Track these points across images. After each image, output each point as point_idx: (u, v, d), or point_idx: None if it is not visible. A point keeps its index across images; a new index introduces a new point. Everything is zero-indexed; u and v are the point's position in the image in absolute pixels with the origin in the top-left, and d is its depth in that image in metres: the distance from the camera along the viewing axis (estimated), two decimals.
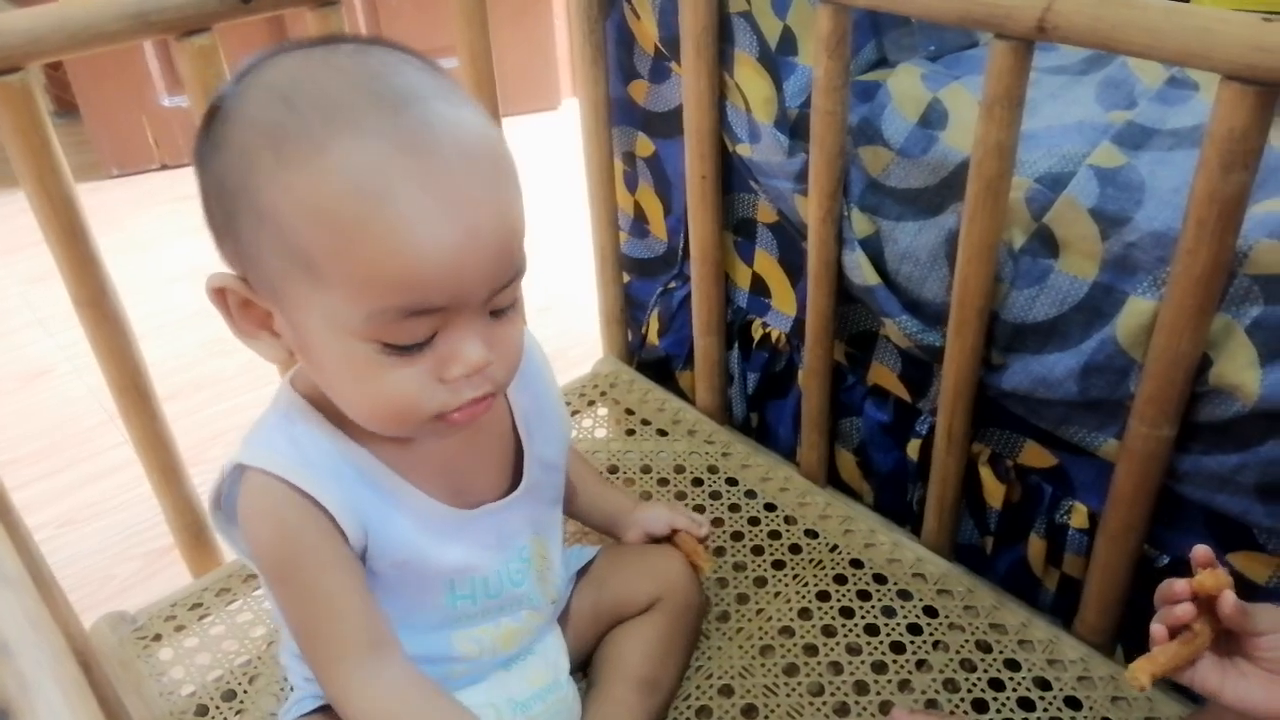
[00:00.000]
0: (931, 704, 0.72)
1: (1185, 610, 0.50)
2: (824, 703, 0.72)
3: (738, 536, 0.87)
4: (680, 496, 0.92)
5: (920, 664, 0.75)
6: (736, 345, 1.00)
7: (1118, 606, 0.75)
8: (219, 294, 0.50)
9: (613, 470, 0.95)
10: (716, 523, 0.88)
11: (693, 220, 0.93)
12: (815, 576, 0.83)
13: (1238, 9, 0.68)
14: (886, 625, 0.78)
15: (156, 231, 1.89)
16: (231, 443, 0.55)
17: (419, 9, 2.18)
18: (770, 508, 0.90)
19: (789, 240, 0.90)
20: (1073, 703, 0.72)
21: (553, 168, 1.79)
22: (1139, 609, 0.75)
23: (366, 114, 0.44)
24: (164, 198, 2.04)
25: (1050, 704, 0.71)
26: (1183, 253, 0.59)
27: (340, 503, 0.52)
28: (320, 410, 0.54)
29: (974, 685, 0.73)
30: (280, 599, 0.55)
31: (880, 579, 0.82)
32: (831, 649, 0.76)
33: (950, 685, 0.73)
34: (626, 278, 1.10)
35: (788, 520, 0.89)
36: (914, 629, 0.78)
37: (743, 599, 0.81)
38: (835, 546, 0.85)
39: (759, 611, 0.80)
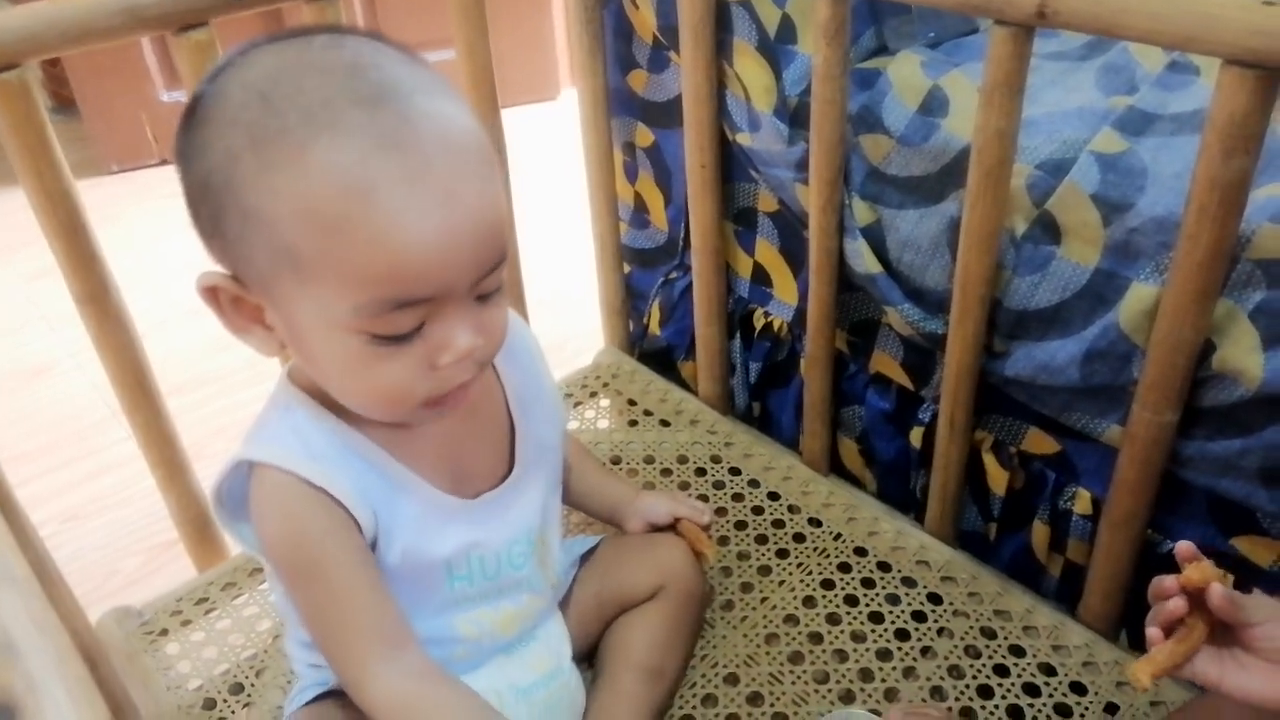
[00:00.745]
0: (937, 691, 0.72)
1: (1176, 605, 0.50)
2: (829, 690, 0.73)
3: (741, 525, 0.87)
4: (684, 486, 0.92)
5: (925, 650, 0.75)
6: (738, 335, 1.00)
7: (1122, 592, 0.75)
8: (210, 292, 0.50)
9: (615, 461, 0.95)
10: (720, 512, 0.89)
11: (693, 210, 0.93)
12: (819, 565, 0.83)
13: None
14: (891, 612, 0.78)
15: (157, 227, 1.88)
16: (234, 438, 0.55)
17: (416, 1, 2.17)
18: (774, 497, 0.90)
19: (790, 229, 0.90)
20: (1078, 688, 0.72)
21: (552, 159, 1.79)
22: (1143, 595, 0.74)
23: (345, 111, 0.44)
24: (164, 192, 2.04)
25: (1055, 689, 0.72)
26: (1185, 238, 0.59)
27: (352, 493, 0.53)
28: (319, 401, 0.55)
29: (979, 671, 0.73)
30: (296, 595, 0.55)
31: (884, 566, 0.82)
32: (836, 636, 0.77)
33: (955, 672, 0.73)
34: (627, 268, 1.09)
35: (791, 509, 0.89)
36: (918, 616, 0.78)
37: (747, 588, 0.81)
38: (839, 535, 0.86)
39: (763, 600, 0.80)
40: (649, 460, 0.95)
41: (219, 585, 0.83)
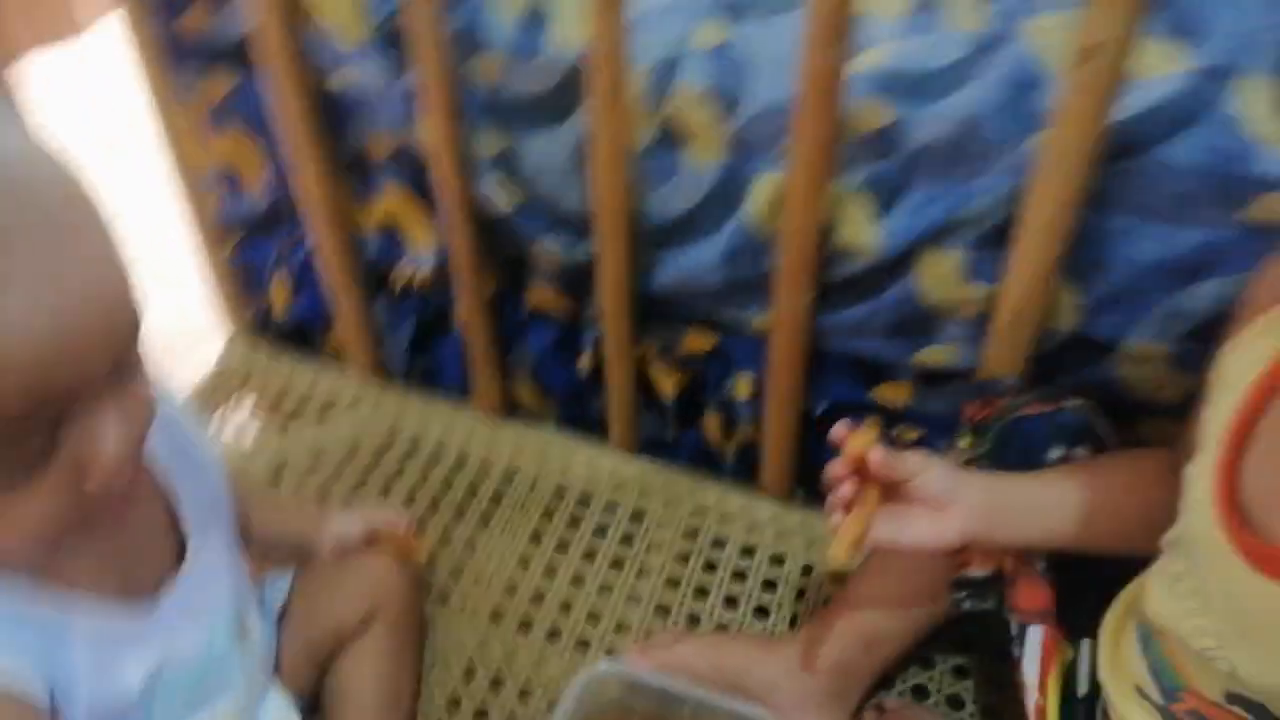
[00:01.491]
0: (661, 610, 0.74)
1: (847, 491, 0.54)
2: (564, 645, 0.72)
3: (434, 506, 0.82)
4: (362, 480, 0.84)
5: (640, 573, 0.77)
6: (381, 295, 0.92)
7: (793, 458, 0.82)
8: None
9: (277, 472, 0.85)
10: (410, 495, 0.82)
11: (298, 163, 0.82)
12: (523, 521, 0.81)
13: None
14: (602, 546, 0.78)
15: None
16: None
17: None
18: (461, 462, 0.86)
19: (413, 173, 0.83)
20: (777, 559, 0.77)
21: (95, 115, 1.51)
22: (809, 454, 0.82)
23: None
24: None
25: (760, 568, 0.76)
26: (795, 129, 0.62)
27: (18, 663, 0.41)
28: None
29: (691, 576, 0.76)
30: None
31: (585, 500, 0.82)
32: (557, 589, 0.75)
33: (672, 584, 0.76)
34: (230, 244, 0.96)
35: (482, 468, 0.85)
36: (627, 540, 0.79)
37: (457, 573, 0.77)
38: (534, 483, 0.83)
39: (475, 581, 0.76)
40: (318, 457, 0.86)
41: None
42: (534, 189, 0.76)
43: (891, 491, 0.54)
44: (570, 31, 0.71)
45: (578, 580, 0.76)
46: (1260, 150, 0.57)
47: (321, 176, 0.83)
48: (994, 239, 0.64)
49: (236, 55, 0.83)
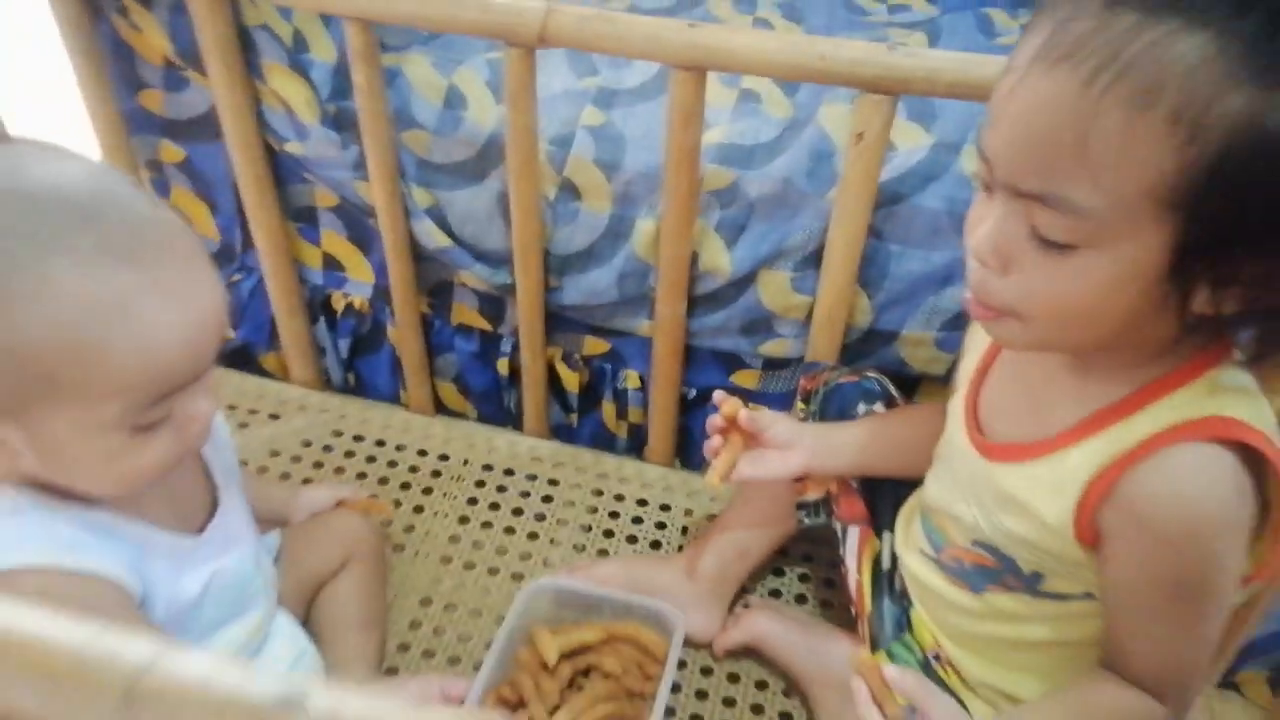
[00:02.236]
0: (578, 547, 0.95)
1: (718, 439, 0.76)
2: (502, 578, 0.92)
3: (384, 481, 1.01)
4: (318, 467, 1.02)
5: (559, 522, 0.98)
6: (322, 319, 1.09)
7: (673, 434, 1.05)
8: None
9: (242, 464, 1.01)
10: (361, 475, 1.01)
11: (253, 218, 0.99)
12: (460, 489, 1.00)
13: None
14: (526, 504, 0.99)
15: None
16: None
17: None
18: (400, 448, 1.04)
19: (354, 219, 1.01)
20: (664, 508, 1.00)
21: None
22: (685, 432, 1.05)
23: (69, 232, 0.48)
24: None
25: (651, 514, 0.99)
26: (666, 187, 0.85)
27: (117, 567, 0.56)
28: (44, 494, 0.56)
29: (599, 524, 0.98)
30: None
31: (509, 473, 1.03)
32: (493, 538, 0.96)
33: (584, 529, 0.97)
34: None
35: (420, 453, 1.04)
36: (547, 499, 1.00)
37: (409, 528, 0.96)
38: (466, 460, 1.03)
39: (427, 533, 0.96)
40: (275, 454, 1.03)
41: None
42: (460, 232, 0.96)
43: (753, 440, 0.77)
44: (482, 114, 0.91)
45: (509, 531, 0.96)
46: None
47: (274, 224, 1.00)
48: (810, 262, 0.89)
49: (189, 130, 0.99)
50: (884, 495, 0.80)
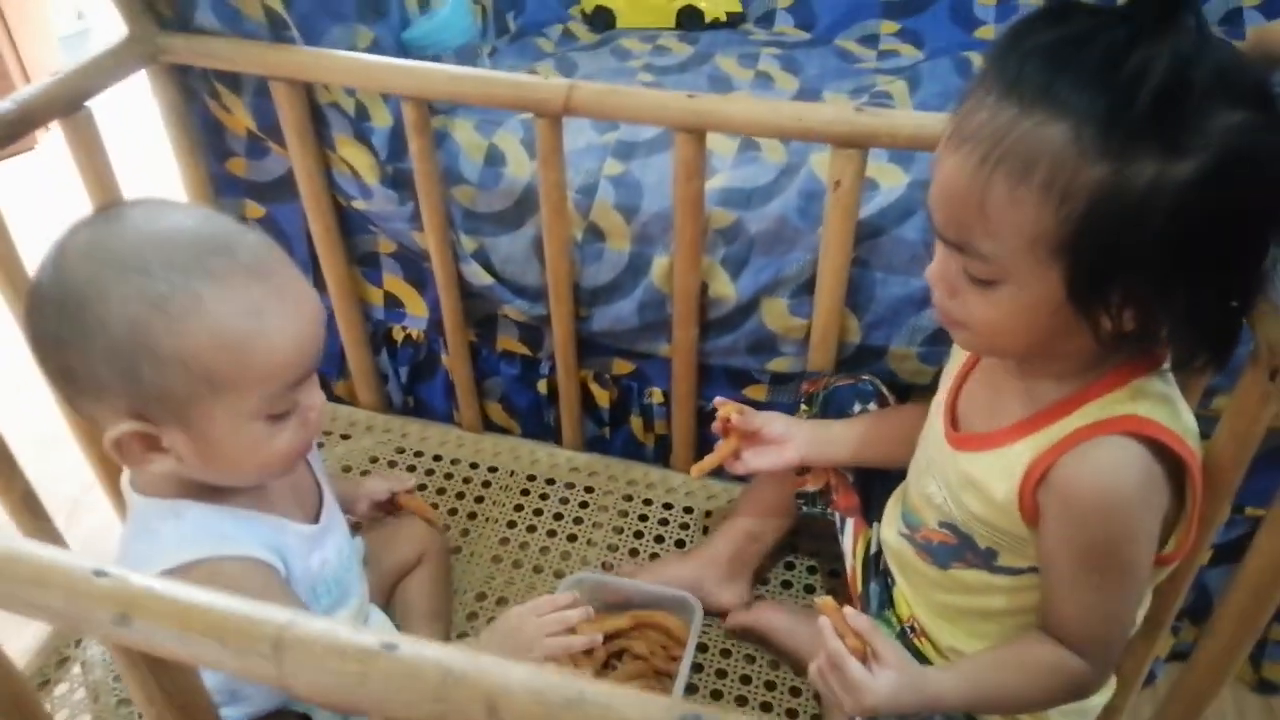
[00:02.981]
0: (612, 548, 1.09)
1: (721, 436, 0.89)
2: (545, 575, 1.05)
3: (442, 491, 1.15)
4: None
5: (594, 526, 1.11)
6: (384, 349, 1.24)
7: (693, 444, 1.17)
8: (117, 444, 0.64)
9: (345, 470, 1.16)
10: (422, 486, 1.15)
11: (324, 264, 1.14)
12: (507, 498, 1.14)
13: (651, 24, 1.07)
14: (566, 511, 1.13)
15: None
16: None
17: None
18: (455, 461, 1.19)
19: (410, 262, 1.16)
20: (688, 510, 1.13)
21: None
22: (703, 440, 1.18)
23: (210, 260, 0.61)
24: None
25: (677, 516, 1.12)
26: (677, 228, 0.98)
27: (264, 550, 0.69)
28: (196, 497, 0.69)
29: (630, 525, 1.11)
30: None
31: (550, 481, 1.16)
32: (537, 540, 1.09)
33: (617, 531, 1.10)
34: None
35: (472, 466, 1.18)
36: (583, 505, 1.14)
37: (465, 532, 1.10)
38: (512, 471, 1.17)
39: (480, 536, 1.10)
40: (346, 469, 1.18)
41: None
42: (502, 272, 1.10)
43: (753, 438, 0.89)
44: (519, 169, 1.06)
45: (551, 534, 1.10)
46: None
47: (341, 270, 1.15)
48: (805, 289, 1.02)
49: (268, 191, 1.15)
50: (876, 489, 0.92)
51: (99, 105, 0.94)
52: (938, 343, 1.01)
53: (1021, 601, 0.74)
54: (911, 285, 0.99)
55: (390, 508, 0.99)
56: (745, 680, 0.96)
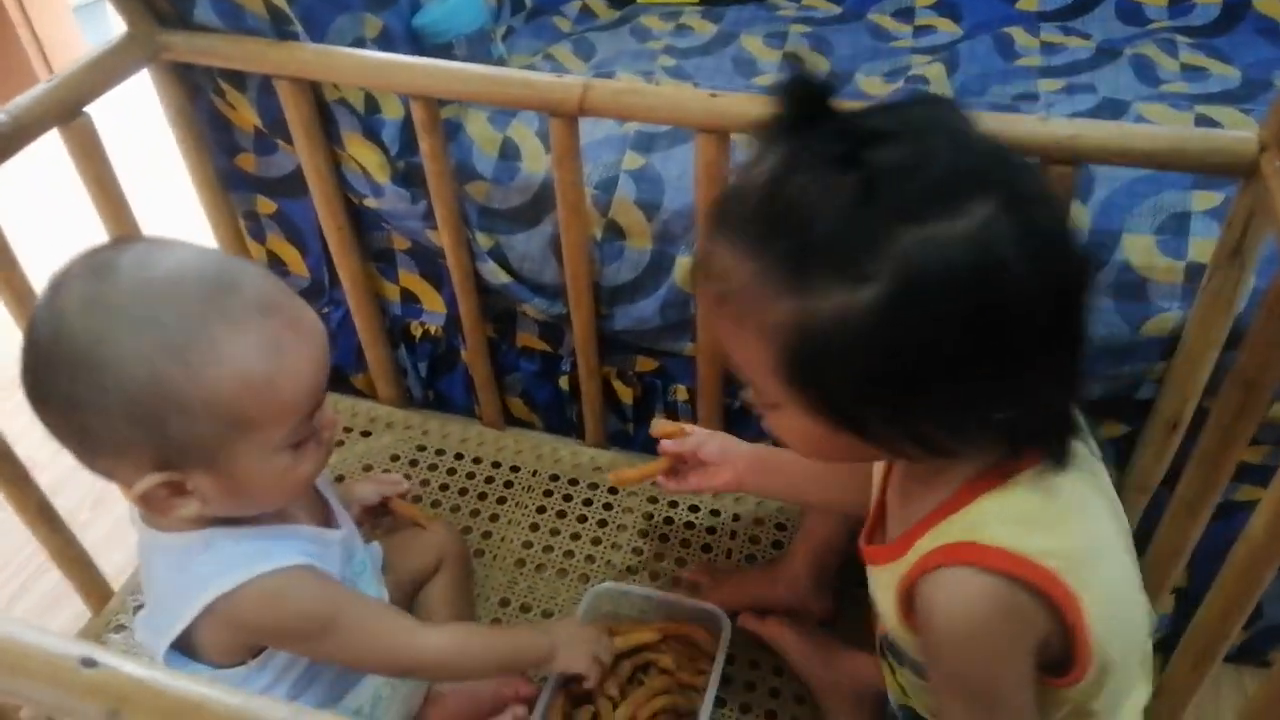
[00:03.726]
0: (635, 550, 1.06)
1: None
2: (570, 579, 1.04)
3: (464, 492, 1.13)
4: (406, 479, 1.14)
5: (619, 527, 1.09)
6: (403, 345, 1.22)
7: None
8: (144, 497, 0.63)
9: (339, 479, 1.14)
10: (444, 487, 1.13)
11: (338, 261, 1.11)
12: (530, 499, 1.12)
13: None
14: (590, 512, 1.10)
15: None
16: None
17: None
18: (477, 460, 1.17)
19: (426, 259, 1.12)
20: (715, 513, 1.10)
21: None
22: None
23: (219, 301, 0.60)
24: None
25: (703, 517, 1.09)
26: (699, 225, 0.94)
27: (301, 556, 0.69)
28: (222, 526, 0.68)
29: (657, 526, 1.09)
30: (332, 641, 0.71)
31: (573, 482, 1.14)
32: (561, 542, 1.07)
33: (641, 534, 1.08)
34: None
35: (494, 465, 1.16)
36: (607, 506, 1.11)
37: (486, 535, 1.08)
38: (535, 471, 1.15)
39: (503, 539, 1.08)
40: (367, 468, 1.16)
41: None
42: (519, 270, 1.07)
43: (690, 457, 0.88)
44: (534, 163, 1.01)
45: (575, 537, 1.08)
46: None
47: (356, 266, 1.12)
48: None
49: (279, 186, 1.12)
50: None
51: (98, 100, 0.91)
52: None
53: None
54: None
55: (382, 512, 0.97)
56: (774, 694, 0.94)
